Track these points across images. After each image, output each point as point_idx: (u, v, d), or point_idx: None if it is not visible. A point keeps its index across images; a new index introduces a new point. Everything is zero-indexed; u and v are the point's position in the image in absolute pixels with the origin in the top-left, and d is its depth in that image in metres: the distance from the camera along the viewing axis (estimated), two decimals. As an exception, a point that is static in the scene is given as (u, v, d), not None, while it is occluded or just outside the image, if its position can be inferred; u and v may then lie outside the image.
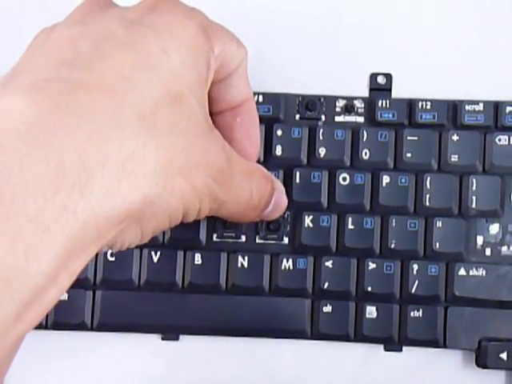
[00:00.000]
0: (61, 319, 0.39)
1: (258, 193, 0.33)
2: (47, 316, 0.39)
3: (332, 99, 0.40)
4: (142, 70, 0.28)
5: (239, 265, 0.38)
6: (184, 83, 0.29)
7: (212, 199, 0.31)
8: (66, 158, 0.25)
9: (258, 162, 0.38)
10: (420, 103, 0.39)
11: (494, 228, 0.39)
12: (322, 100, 0.40)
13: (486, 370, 0.38)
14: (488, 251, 0.39)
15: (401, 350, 0.39)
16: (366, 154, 0.39)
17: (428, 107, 0.39)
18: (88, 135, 0.26)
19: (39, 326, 0.38)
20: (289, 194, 0.38)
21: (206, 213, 0.31)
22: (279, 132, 0.39)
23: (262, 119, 0.38)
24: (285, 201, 0.37)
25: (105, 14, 0.30)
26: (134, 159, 0.27)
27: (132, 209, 0.27)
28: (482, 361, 0.38)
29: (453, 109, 0.39)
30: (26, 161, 0.24)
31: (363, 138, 0.39)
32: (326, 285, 0.38)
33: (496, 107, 0.39)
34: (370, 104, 0.40)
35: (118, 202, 0.26)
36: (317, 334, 0.38)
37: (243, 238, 0.39)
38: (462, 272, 0.38)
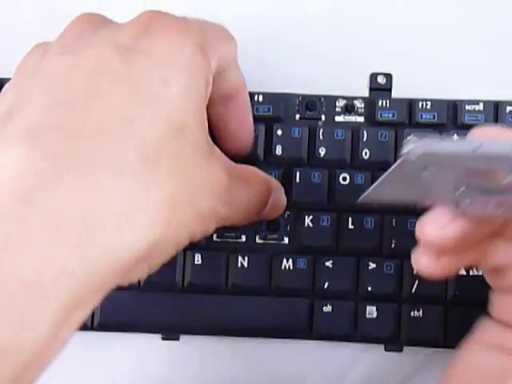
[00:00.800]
0: (61, 319, 0.39)
1: (255, 198, 0.33)
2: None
3: (332, 99, 0.40)
4: (141, 107, 0.27)
5: (239, 265, 0.38)
6: (185, 111, 0.28)
7: (218, 219, 0.30)
8: (66, 216, 0.24)
9: (258, 162, 0.38)
10: (420, 103, 0.39)
11: (494, 228, 0.38)
12: (322, 100, 0.40)
13: (486, 370, 0.38)
14: (488, 251, 0.38)
15: (401, 350, 0.39)
16: (366, 153, 0.39)
17: (428, 107, 0.39)
18: (88, 189, 0.25)
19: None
20: (289, 193, 0.38)
21: (212, 231, 0.31)
22: (279, 132, 0.39)
23: (262, 119, 0.39)
24: (283, 199, 0.37)
25: (97, 37, 0.29)
26: (136, 208, 0.26)
27: (136, 256, 0.26)
28: (482, 361, 0.38)
29: (453, 109, 0.39)
30: (25, 224, 0.24)
31: (363, 137, 0.39)
32: (326, 285, 0.38)
33: (496, 107, 0.39)
34: (370, 104, 0.40)
35: (121, 255, 0.25)
36: (317, 333, 0.38)
37: (243, 238, 0.39)
38: (462, 271, 0.38)
